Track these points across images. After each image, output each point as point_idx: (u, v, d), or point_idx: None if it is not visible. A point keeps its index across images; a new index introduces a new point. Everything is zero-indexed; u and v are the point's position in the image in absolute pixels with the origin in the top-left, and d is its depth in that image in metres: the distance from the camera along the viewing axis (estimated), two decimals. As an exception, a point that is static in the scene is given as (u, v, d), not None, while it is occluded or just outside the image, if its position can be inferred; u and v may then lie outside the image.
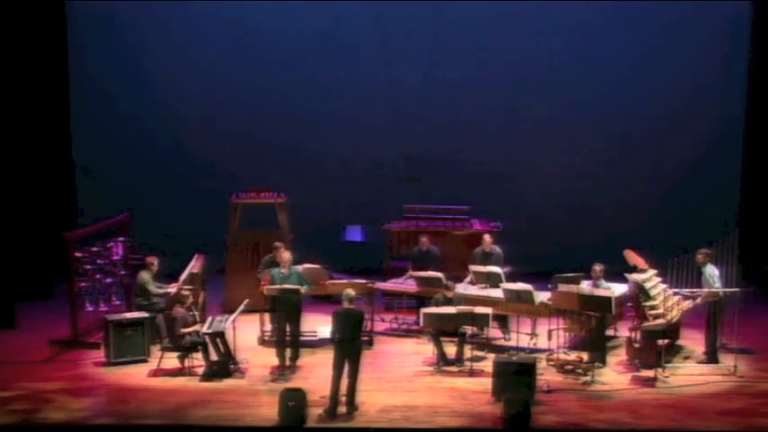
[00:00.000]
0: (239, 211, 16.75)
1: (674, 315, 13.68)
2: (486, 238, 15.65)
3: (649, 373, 13.39)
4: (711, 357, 13.89)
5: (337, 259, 15.83)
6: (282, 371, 13.60)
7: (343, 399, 12.16)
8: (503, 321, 15.04)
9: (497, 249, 15.53)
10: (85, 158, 18.96)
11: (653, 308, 13.68)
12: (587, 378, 13.33)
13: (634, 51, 18.82)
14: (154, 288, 14.58)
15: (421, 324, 14.08)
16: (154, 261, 14.71)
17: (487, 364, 13.43)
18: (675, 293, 13.75)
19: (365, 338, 14.57)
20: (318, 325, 14.83)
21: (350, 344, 12.20)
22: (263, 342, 14.82)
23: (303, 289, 13.87)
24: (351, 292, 12.53)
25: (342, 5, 18.73)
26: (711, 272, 13.75)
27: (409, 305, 15.97)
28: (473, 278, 15.15)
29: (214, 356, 13.55)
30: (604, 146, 19.07)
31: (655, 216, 18.68)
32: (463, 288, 14.83)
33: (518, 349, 14.26)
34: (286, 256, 14.10)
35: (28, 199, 17.75)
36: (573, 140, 19.02)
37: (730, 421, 12.07)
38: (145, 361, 14.02)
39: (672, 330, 13.84)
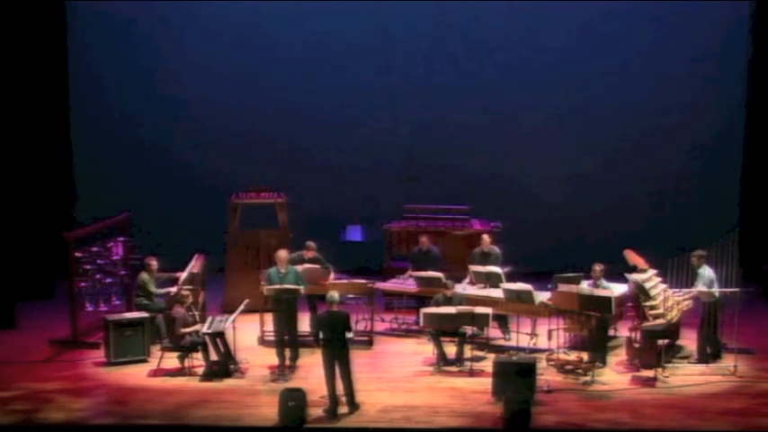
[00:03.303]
0: (239, 211, 16.76)
1: (674, 315, 13.68)
2: (485, 237, 15.65)
3: (649, 373, 13.40)
4: (703, 357, 13.89)
5: (337, 259, 15.83)
6: (282, 371, 13.59)
7: (344, 399, 12.17)
8: (503, 321, 15.04)
9: (496, 249, 15.53)
10: (86, 158, 18.96)
11: (653, 308, 13.68)
12: (587, 378, 13.33)
13: (634, 51, 18.82)
14: (154, 288, 14.58)
15: (421, 324, 14.07)
16: (152, 262, 14.71)
17: (487, 364, 13.43)
18: (675, 293, 13.75)
19: (365, 338, 14.63)
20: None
21: (335, 346, 12.17)
22: (263, 342, 14.81)
23: (302, 289, 13.86)
24: (335, 294, 12.52)
25: (342, 5, 18.73)
26: (706, 273, 13.75)
27: (409, 305, 15.97)
28: (472, 278, 15.14)
29: (214, 356, 13.55)
30: (604, 146, 19.06)
31: (655, 216, 18.68)
32: (462, 288, 14.83)
33: (518, 349, 14.27)
34: (283, 255, 14.08)
35: (28, 199, 17.76)
36: (573, 140, 19.01)
37: (730, 421, 12.07)
38: (145, 361, 14.02)
39: (672, 330, 13.84)
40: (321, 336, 12.23)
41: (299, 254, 14.96)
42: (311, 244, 15.08)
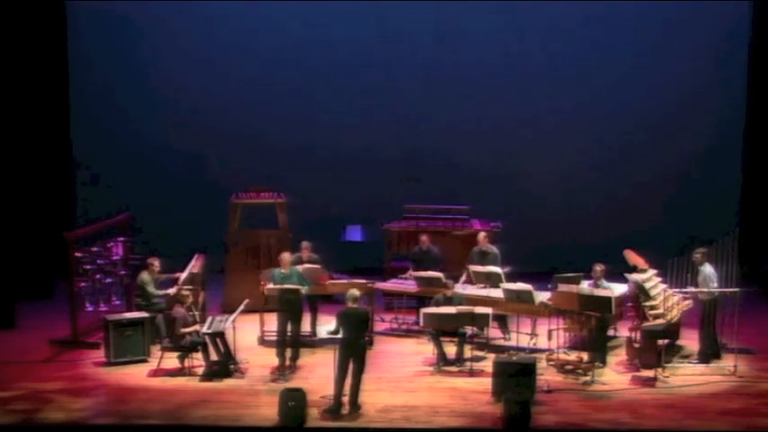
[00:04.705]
0: (239, 211, 16.76)
1: (674, 315, 13.68)
2: (481, 236, 15.63)
3: (649, 373, 13.39)
4: (702, 357, 13.89)
5: (337, 259, 15.84)
6: (282, 371, 13.59)
7: (345, 398, 12.16)
8: (503, 321, 15.04)
9: (493, 248, 15.51)
10: (85, 158, 18.97)
11: (653, 308, 13.68)
12: (587, 378, 13.33)
13: (634, 51, 18.82)
14: (153, 289, 14.57)
15: (421, 324, 14.07)
16: (155, 262, 14.69)
17: (487, 364, 13.43)
18: (675, 293, 13.75)
19: (366, 338, 14.62)
20: (319, 325, 14.88)
21: (355, 344, 12.19)
22: (263, 342, 14.82)
23: (304, 289, 13.86)
24: (355, 292, 12.52)
25: (343, 5, 18.73)
26: (708, 271, 13.76)
27: (409, 305, 15.97)
28: (472, 277, 15.12)
29: (214, 356, 13.55)
30: (604, 146, 19.07)
31: (655, 216, 18.67)
32: (461, 288, 14.83)
33: (518, 349, 14.26)
34: (286, 256, 14.10)
35: (28, 199, 17.76)
36: (573, 140, 19.03)
37: (730, 421, 12.07)
38: (145, 361, 14.02)
39: (672, 330, 13.85)
40: (343, 333, 12.21)
41: (297, 256, 14.96)
42: (306, 244, 15.08)
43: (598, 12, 18.64)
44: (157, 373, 13.60)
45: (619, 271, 14.40)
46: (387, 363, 14.11)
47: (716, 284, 13.68)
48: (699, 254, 13.83)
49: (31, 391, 12.93)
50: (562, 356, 13.98)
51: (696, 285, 13.78)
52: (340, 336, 12.20)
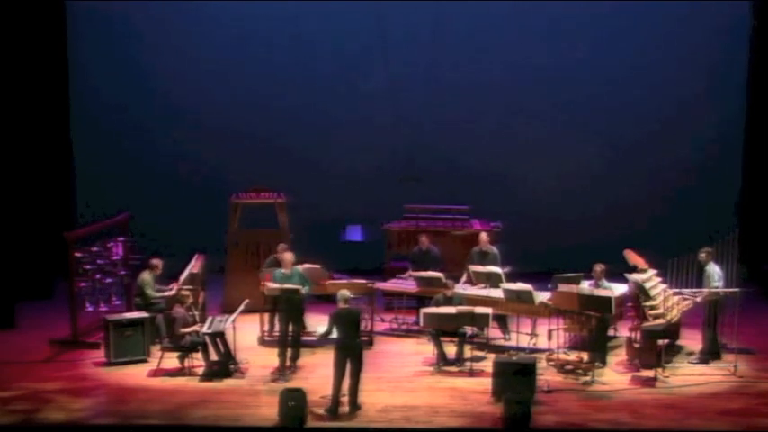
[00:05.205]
0: (239, 211, 16.77)
1: (674, 315, 13.68)
2: (483, 237, 15.65)
3: (649, 373, 13.39)
4: (704, 357, 13.89)
5: (337, 259, 15.83)
6: (283, 371, 13.59)
7: (345, 398, 12.16)
8: (503, 321, 15.04)
9: (494, 249, 15.53)
10: (86, 158, 18.96)
11: (653, 308, 13.68)
12: (587, 378, 13.33)
13: (634, 52, 18.82)
14: (152, 291, 14.55)
15: (421, 324, 14.07)
16: (159, 263, 14.68)
17: (487, 364, 13.43)
18: (676, 293, 13.75)
19: (365, 338, 14.60)
20: (319, 325, 14.87)
21: (352, 344, 12.20)
22: (263, 342, 14.82)
23: (304, 289, 13.85)
24: (346, 292, 12.52)
25: (342, 5, 18.73)
26: (713, 270, 13.75)
27: (409, 305, 15.97)
28: (472, 278, 15.13)
29: (214, 356, 13.55)
30: (604, 146, 19.06)
31: (655, 216, 18.68)
32: (461, 288, 14.83)
33: (518, 349, 14.27)
34: (288, 256, 14.10)
35: (28, 199, 17.77)
36: (573, 140, 19.01)
37: (730, 421, 12.07)
38: (145, 361, 14.02)
39: (672, 330, 13.84)
40: (339, 334, 12.20)
41: (273, 257, 14.96)
42: (282, 246, 15.04)
43: (598, 12, 18.63)
44: (157, 373, 13.60)
45: (619, 271, 14.40)
46: (387, 363, 14.12)
47: (717, 284, 13.67)
48: (704, 253, 13.81)
49: (31, 391, 12.93)
50: (562, 356, 13.98)
51: (701, 285, 13.75)
52: (334, 337, 12.21)
